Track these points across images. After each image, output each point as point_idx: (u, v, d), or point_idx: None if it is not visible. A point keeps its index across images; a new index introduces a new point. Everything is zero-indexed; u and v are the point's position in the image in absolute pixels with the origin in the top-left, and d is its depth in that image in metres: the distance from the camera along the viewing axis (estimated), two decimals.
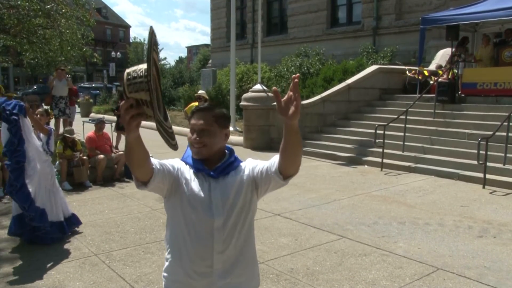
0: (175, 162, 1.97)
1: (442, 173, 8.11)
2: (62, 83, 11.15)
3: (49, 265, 4.25)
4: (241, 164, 2.04)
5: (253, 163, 2.04)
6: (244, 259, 2.00)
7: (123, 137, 11.73)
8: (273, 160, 1.95)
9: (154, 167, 1.81)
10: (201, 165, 1.91)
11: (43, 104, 13.99)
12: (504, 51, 10.33)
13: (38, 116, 5.29)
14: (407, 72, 11.91)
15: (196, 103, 8.81)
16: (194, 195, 1.87)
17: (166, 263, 1.94)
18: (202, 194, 1.87)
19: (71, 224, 5.12)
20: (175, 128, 14.82)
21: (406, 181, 7.82)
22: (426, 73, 11.48)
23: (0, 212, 6.05)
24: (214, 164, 1.93)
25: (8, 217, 5.76)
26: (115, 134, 11.05)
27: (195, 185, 1.89)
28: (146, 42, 60.64)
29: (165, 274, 1.94)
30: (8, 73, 44.29)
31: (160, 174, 1.82)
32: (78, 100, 17.20)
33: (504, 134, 7.65)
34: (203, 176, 1.91)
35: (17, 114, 4.64)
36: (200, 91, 9.40)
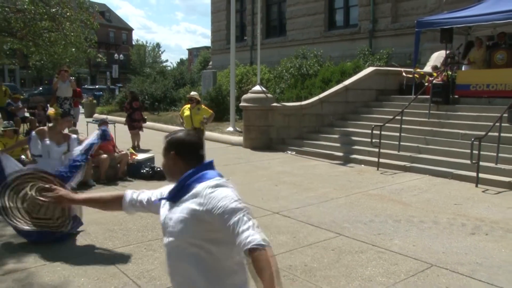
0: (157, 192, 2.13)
1: (437, 172, 8.14)
2: (66, 84, 11.17)
3: (54, 261, 4.28)
4: (199, 190, 1.83)
5: (219, 210, 1.75)
6: None
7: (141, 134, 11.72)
8: (242, 240, 1.68)
9: (123, 203, 2.16)
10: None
11: (48, 105, 14.03)
12: (496, 54, 10.37)
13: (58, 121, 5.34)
14: (404, 73, 11.93)
15: (189, 105, 8.60)
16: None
17: None
18: (160, 217, 1.95)
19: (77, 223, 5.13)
20: (176, 128, 14.82)
21: (402, 180, 7.85)
22: (421, 74, 11.51)
23: None
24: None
25: None
26: (118, 134, 11.09)
27: (162, 208, 1.98)
28: (148, 44, 60.67)
29: None
30: (15, 75, 44.31)
31: (132, 208, 2.18)
32: (82, 101, 17.20)
33: (496, 134, 7.68)
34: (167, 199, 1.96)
35: None
36: (192, 93, 9.17)
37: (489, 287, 3.73)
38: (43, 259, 4.34)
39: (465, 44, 11.11)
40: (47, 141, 5.34)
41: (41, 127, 5.30)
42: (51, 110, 5.44)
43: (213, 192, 1.82)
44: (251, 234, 1.67)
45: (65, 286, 3.77)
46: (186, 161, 1.94)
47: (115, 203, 2.20)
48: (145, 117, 12.17)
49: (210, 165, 2.01)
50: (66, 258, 4.37)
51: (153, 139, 11.02)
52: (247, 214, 1.75)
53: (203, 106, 8.56)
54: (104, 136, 5.23)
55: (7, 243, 4.78)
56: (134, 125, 11.52)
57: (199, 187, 1.84)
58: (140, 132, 11.67)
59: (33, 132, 5.41)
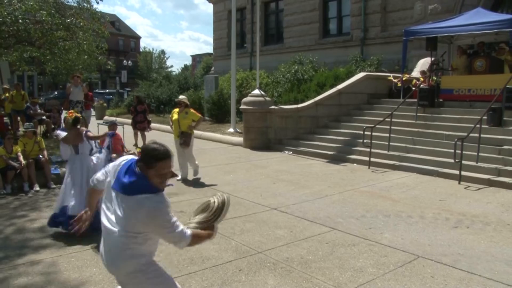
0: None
1: (423, 170, 8.17)
2: (78, 88, 11.20)
3: (69, 253, 4.32)
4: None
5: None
6: None
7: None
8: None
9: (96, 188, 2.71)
10: None
11: (62, 108, 14.05)
12: (476, 61, 10.43)
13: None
14: (392, 78, 11.97)
15: (177, 109, 7.99)
16: None
17: None
18: None
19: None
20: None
21: (391, 178, 7.88)
22: (408, 79, 11.54)
23: (27, 205, 6.10)
24: None
25: (34, 210, 5.84)
26: (126, 135, 11.10)
27: None
28: (154, 51, 60.53)
29: None
30: (33, 80, 44.34)
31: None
32: (94, 105, 17.24)
33: (477, 135, 7.71)
34: None
35: None
36: (181, 96, 8.59)
37: (469, 276, 3.77)
38: (58, 251, 4.38)
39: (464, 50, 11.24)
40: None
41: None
42: (68, 114, 5.45)
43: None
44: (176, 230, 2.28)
45: (78, 275, 3.81)
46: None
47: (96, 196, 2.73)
48: (150, 119, 12.25)
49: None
50: (79, 250, 4.41)
51: (159, 140, 11.02)
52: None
53: (191, 110, 7.99)
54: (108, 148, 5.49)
55: (26, 237, 4.82)
56: (137, 126, 11.77)
57: None
58: (146, 133, 11.75)
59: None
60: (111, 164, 2.49)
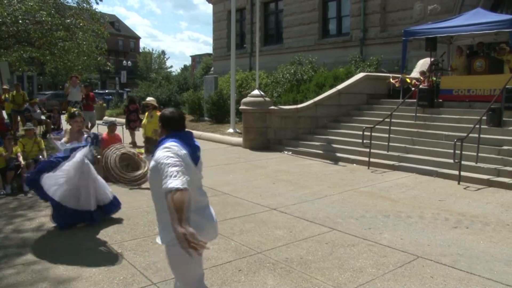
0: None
1: (423, 170, 8.17)
2: (76, 89, 11.22)
3: (69, 252, 4.32)
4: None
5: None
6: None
7: (136, 134, 11.94)
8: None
9: None
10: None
11: (61, 108, 14.05)
12: (475, 61, 10.43)
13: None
14: (391, 79, 11.98)
15: (147, 113, 7.69)
16: None
17: None
18: None
19: (106, 211, 5.39)
20: None
21: (391, 178, 7.88)
22: (408, 80, 11.56)
23: (26, 206, 6.10)
24: None
25: (33, 210, 5.84)
26: (126, 135, 11.12)
27: None
28: (154, 51, 60.62)
29: None
30: (33, 81, 44.38)
31: None
32: (95, 105, 17.22)
33: (476, 135, 7.71)
34: None
35: None
36: (148, 98, 8.17)
37: (469, 276, 3.77)
38: (58, 251, 4.38)
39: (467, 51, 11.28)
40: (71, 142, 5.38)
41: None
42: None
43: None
44: (166, 182, 2.15)
45: (78, 275, 3.80)
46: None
47: None
48: (142, 118, 12.43)
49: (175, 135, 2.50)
50: (79, 250, 4.41)
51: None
52: (172, 166, 2.21)
53: (157, 113, 7.20)
54: (96, 141, 5.45)
55: (25, 237, 4.82)
56: (131, 125, 12.09)
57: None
58: (136, 132, 12.03)
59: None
60: (179, 154, 2.35)
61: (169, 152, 2.31)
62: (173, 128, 2.55)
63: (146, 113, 7.61)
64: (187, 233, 2.00)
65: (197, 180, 2.58)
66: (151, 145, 7.08)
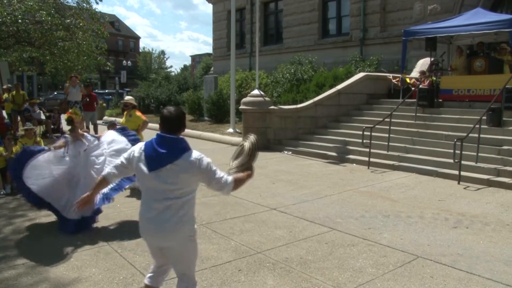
0: None
1: (422, 170, 8.17)
2: (76, 89, 11.22)
3: (68, 253, 4.32)
4: None
5: None
6: None
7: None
8: None
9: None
10: None
11: (61, 108, 14.05)
12: (475, 61, 10.44)
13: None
14: (391, 78, 11.97)
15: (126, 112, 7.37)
16: None
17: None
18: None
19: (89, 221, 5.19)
20: None
21: (390, 178, 7.88)
22: (408, 80, 11.56)
23: (26, 206, 6.09)
24: None
25: (33, 210, 5.81)
26: None
27: None
28: (154, 51, 60.57)
29: None
30: (33, 81, 44.37)
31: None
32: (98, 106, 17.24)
33: (476, 135, 7.71)
34: None
35: None
36: (127, 97, 7.92)
37: (468, 276, 3.77)
38: (58, 251, 4.38)
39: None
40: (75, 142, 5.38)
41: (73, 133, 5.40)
42: (74, 115, 5.47)
43: None
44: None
45: (78, 275, 3.80)
46: None
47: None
48: None
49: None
50: (79, 250, 4.41)
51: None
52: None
53: (136, 113, 7.11)
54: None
55: (25, 237, 4.82)
56: None
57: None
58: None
59: (69, 137, 5.42)
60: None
61: (125, 153, 2.76)
62: (160, 128, 2.61)
63: (125, 112, 7.30)
64: None
65: (152, 186, 2.56)
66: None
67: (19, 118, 12.22)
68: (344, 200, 6.38)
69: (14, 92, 11.90)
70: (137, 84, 28.10)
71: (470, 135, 7.59)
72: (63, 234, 4.84)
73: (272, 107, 11.74)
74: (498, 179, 7.22)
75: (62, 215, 5.00)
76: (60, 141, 5.38)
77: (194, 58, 69.81)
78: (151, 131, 13.92)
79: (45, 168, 5.07)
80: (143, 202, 2.64)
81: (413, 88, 10.89)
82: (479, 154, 7.75)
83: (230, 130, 13.63)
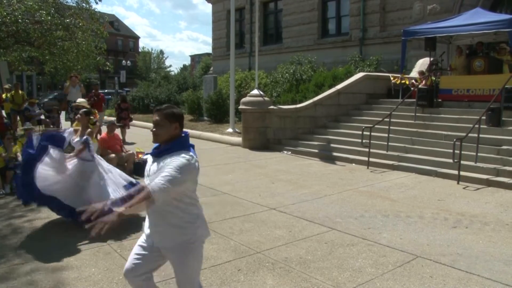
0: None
1: (422, 170, 8.17)
2: (76, 89, 11.23)
3: (68, 253, 4.31)
4: (179, 155, 2.37)
5: (169, 164, 2.35)
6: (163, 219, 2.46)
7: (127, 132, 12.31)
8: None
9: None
10: (153, 148, 2.53)
11: (60, 108, 14.05)
12: (475, 61, 10.44)
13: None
14: (392, 78, 11.98)
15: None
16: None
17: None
18: (147, 167, 2.53)
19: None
20: None
21: (390, 178, 7.88)
22: (407, 81, 11.57)
23: (25, 206, 6.09)
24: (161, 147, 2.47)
25: (32, 210, 5.81)
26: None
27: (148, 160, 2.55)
28: (153, 51, 60.62)
29: None
30: (32, 80, 44.33)
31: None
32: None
33: (476, 135, 7.71)
34: (150, 155, 2.52)
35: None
36: (79, 100, 7.65)
37: (468, 275, 3.78)
38: (57, 250, 4.37)
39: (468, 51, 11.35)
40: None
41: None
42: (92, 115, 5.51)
43: (178, 159, 2.35)
44: (155, 183, 2.25)
45: (77, 275, 3.80)
46: (180, 131, 2.50)
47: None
48: (131, 117, 13.52)
49: (188, 137, 2.54)
50: (78, 250, 4.41)
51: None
52: (173, 179, 2.28)
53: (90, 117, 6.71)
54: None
55: (24, 237, 4.81)
56: (121, 122, 12.39)
57: (177, 153, 2.38)
58: (127, 129, 12.63)
59: (89, 138, 5.40)
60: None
61: (186, 167, 2.50)
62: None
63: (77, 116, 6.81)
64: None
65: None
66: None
67: (18, 117, 12.22)
68: (344, 200, 6.38)
69: (13, 92, 11.89)
70: (136, 84, 28.11)
71: (470, 135, 7.60)
72: (64, 233, 4.83)
73: (271, 107, 11.73)
74: (497, 179, 7.23)
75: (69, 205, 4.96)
76: (78, 148, 5.32)
77: (194, 58, 69.82)
78: (144, 130, 14.03)
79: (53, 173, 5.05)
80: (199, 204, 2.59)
81: (412, 88, 10.90)
82: (479, 154, 7.75)
83: (230, 130, 13.63)
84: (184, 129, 2.59)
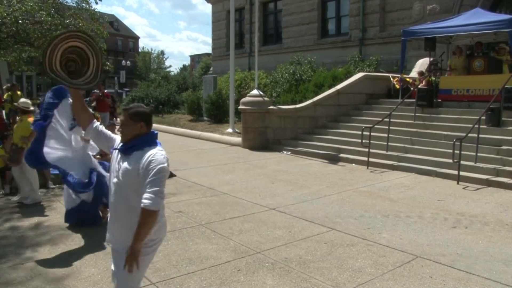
0: (117, 138, 2.71)
1: (422, 170, 8.18)
2: None
3: (67, 253, 4.32)
4: (148, 151, 2.43)
5: (148, 166, 2.38)
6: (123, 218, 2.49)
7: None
8: (144, 192, 2.34)
9: (90, 125, 2.77)
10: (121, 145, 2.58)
11: None
12: (474, 61, 10.45)
13: None
14: (391, 78, 11.98)
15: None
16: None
17: None
18: (113, 162, 2.56)
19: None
20: (178, 129, 14.82)
21: (390, 178, 7.88)
22: (407, 79, 11.57)
23: (25, 206, 6.08)
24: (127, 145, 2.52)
25: (32, 210, 5.82)
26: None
27: (113, 156, 2.59)
28: (153, 51, 60.60)
29: None
30: (32, 81, 44.35)
31: (93, 133, 2.77)
32: (92, 105, 17.24)
33: (475, 135, 7.72)
34: (118, 151, 2.55)
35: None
36: (21, 100, 7.18)
37: (468, 276, 3.78)
38: (57, 250, 4.38)
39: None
40: None
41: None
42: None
43: (154, 156, 2.40)
44: (149, 198, 2.29)
45: (77, 275, 3.81)
46: (147, 129, 2.54)
47: (86, 120, 2.81)
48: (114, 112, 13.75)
49: (155, 135, 2.59)
50: (78, 250, 4.41)
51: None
52: (162, 180, 2.35)
53: (28, 119, 6.21)
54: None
55: (24, 236, 4.81)
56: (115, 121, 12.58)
57: (147, 150, 2.44)
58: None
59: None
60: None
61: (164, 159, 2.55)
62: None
63: (18, 118, 6.58)
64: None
65: None
66: (17, 154, 6.15)
67: (17, 118, 12.18)
68: (344, 200, 6.38)
69: (10, 92, 11.86)
70: (136, 84, 28.11)
71: (469, 135, 7.60)
72: (64, 233, 4.83)
73: (271, 107, 11.74)
74: (497, 179, 7.23)
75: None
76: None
77: (193, 58, 69.83)
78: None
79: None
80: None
81: (412, 88, 10.90)
82: (478, 154, 7.75)
83: (230, 130, 13.63)
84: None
